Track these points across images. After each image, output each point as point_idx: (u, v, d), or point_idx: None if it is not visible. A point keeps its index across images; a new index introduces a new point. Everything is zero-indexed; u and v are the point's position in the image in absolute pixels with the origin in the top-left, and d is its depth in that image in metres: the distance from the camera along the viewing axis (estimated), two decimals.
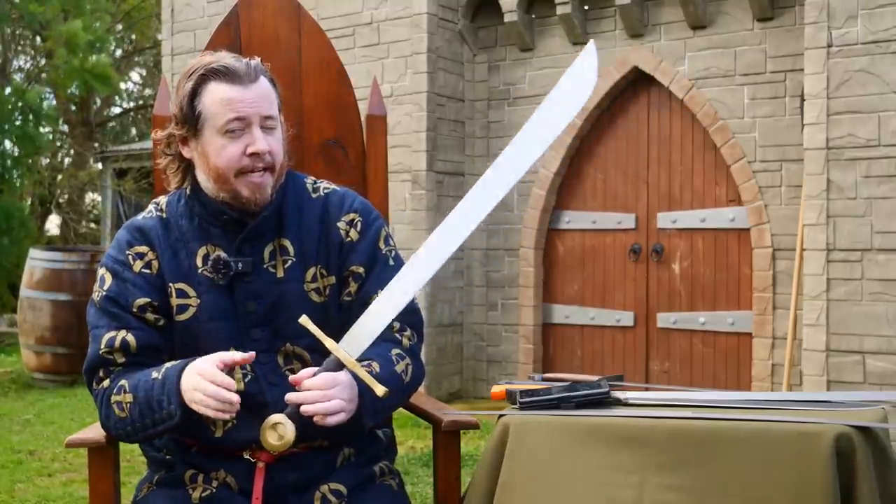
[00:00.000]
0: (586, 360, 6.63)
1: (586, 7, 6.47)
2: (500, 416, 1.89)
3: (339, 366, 1.70)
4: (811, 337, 5.10)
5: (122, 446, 2.00)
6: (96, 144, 14.41)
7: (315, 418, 1.65)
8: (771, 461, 1.67)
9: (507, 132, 6.62)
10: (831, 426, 1.68)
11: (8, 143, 10.13)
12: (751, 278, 5.91)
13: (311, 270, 1.85)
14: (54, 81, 11.27)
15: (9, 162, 10.08)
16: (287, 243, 1.85)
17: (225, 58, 1.80)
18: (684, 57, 6.12)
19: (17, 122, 9.73)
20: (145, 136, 14.41)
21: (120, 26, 14.96)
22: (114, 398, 1.75)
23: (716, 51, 6.01)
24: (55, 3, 10.07)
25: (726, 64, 5.96)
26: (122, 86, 15.72)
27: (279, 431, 1.66)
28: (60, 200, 13.97)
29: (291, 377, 1.71)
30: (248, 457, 1.80)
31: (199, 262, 1.83)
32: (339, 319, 1.82)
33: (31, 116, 9.84)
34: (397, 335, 1.86)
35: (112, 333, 1.78)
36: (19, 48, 13.52)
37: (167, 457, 1.89)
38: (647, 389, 2.16)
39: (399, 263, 1.87)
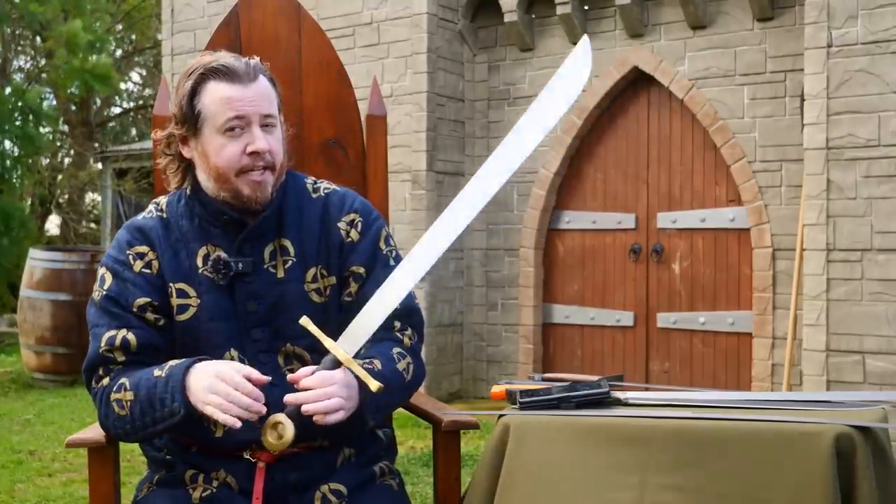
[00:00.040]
0: (586, 360, 6.64)
1: (586, 7, 6.47)
2: (500, 416, 1.89)
3: (337, 364, 1.70)
4: (811, 337, 5.10)
5: (123, 446, 2.00)
6: (96, 144, 14.41)
7: (315, 417, 1.65)
8: (771, 461, 1.67)
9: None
10: (831, 426, 1.68)
11: (8, 143, 10.13)
12: (751, 278, 5.91)
13: (312, 271, 1.85)
14: (54, 81, 11.27)
15: (9, 162, 10.08)
16: (287, 243, 1.85)
17: (224, 57, 1.80)
18: (684, 57, 6.12)
19: (17, 122, 9.73)
20: (145, 136, 14.41)
21: (120, 26, 14.96)
22: (113, 396, 1.75)
23: (716, 51, 6.01)
24: (55, 3, 10.07)
25: (726, 64, 5.96)
26: (122, 86, 15.72)
27: (279, 431, 1.67)
28: (60, 200, 13.97)
29: (290, 376, 1.71)
30: (248, 457, 1.80)
31: (199, 262, 1.83)
32: (340, 320, 1.82)
33: (31, 116, 9.83)
34: (398, 334, 1.87)
35: (112, 332, 1.78)
36: (19, 48, 13.52)
37: (167, 457, 1.89)
38: (647, 389, 2.16)
39: (399, 264, 1.87)
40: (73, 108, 14.12)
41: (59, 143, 14.56)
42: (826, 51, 5.07)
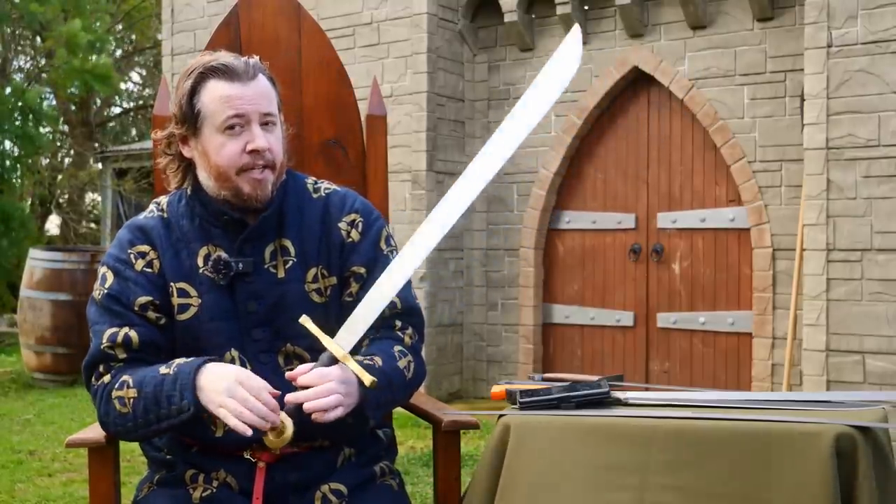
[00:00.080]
0: (586, 360, 6.64)
1: (586, 7, 6.47)
2: (500, 416, 1.89)
3: (334, 360, 1.71)
4: (811, 337, 5.10)
5: (123, 446, 1.99)
6: (96, 144, 14.41)
7: (314, 415, 1.65)
8: (771, 461, 1.67)
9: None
10: (831, 426, 1.68)
11: (8, 143, 10.13)
12: (751, 278, 5.91)
13: (312, 271, 1.86)
14: (54, 81, 11.26)
15: (9, 162, 10.08)
16: (288, 243, 1.86)
17: (224, 56, 1.81)
18: (684, 57, 6.12)
19: (17, 122, 9.73)
20: (145, 136, 14.41)
21: (120, 26, 14.96)
22: (115, 393, 1.74)
23: (716, 51, 6.01)
24: (55, 3, 10.07)
25: (726, 64, 5.96)
26: (122, 86, 15.72)
27: (279, 428, 1.67)
28: (60, 200, 13.97)
29: (288, 374, 1.71)
30: (248, 457, 1.80)
31: (200, 262, 1.83)
32: (340, 320, 1.82)
33: (31, 116, 9.83)
34: (399, 333, 1.87)
35: (114, 329, 1.78)
36: (19, 48, 13.52)
37: (168, 456, 1.89)
38: (647, 389, 2.16)
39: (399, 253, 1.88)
40: (73, 108, 14.13)
41: (59, 143, 14.56)
42: (826, 51, 5.07)
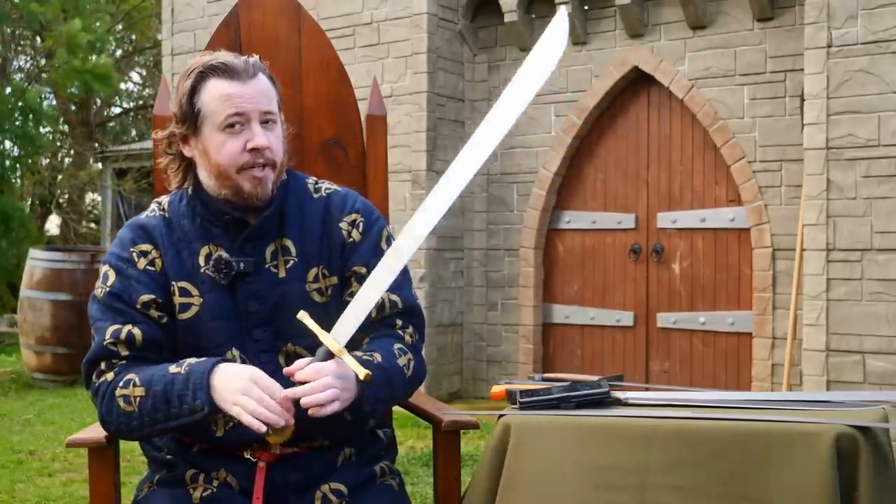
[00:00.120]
0: (586, 360, 6.64)
1: (586, 7, 6.47)
2: (500, 416, 1.90)
3: (330, 355, 1.70)
4: (811, 337, 5.10)
5: (123, 446, 1.99)
6: (96, 144, 14.41)
7: (311, 410, 1.65)
8: (771, 461, 1.67)
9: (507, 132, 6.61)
10: (831, 426, 1.68)
11: (8, 143, 10.14)
12: (751, 278, 5.91)
13: (313, 271, 1.86)
14: (54, 81, 11.26)
15: (9, 162, 10.08)
16: (289, 243, 1.86)
17: (223, 55, 1.81)
18: (684, 57, 6.12)
19: (17, 122, 9.73)
20: (145, 136, 14.41)
21: (120, 26, 14.96)
22: (119, 391, 1.73)
23: (716, 51, 6.01)
24: (55, 3, 10.07)
25: (726, 64, 5.96)
26: (122, 86, 15.73)
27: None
28: (60, 200, 13.97)
29: (285, 370, 1.71)
30: (248, 456, 1.80)
31: (201, 261, 1.83)
32: None
33: (31, 116, 9.83)
34: (399, 332, 1.87)
35: (117, 326, 1.77)
36: (19, 48, 13.51)
37: (168, 456, 1.89)
38: (647, 389, 2.16)
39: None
40: (73, 108, 14.12)
41: (59, 143, 14.56)
42: (826, 51, 5.07)
